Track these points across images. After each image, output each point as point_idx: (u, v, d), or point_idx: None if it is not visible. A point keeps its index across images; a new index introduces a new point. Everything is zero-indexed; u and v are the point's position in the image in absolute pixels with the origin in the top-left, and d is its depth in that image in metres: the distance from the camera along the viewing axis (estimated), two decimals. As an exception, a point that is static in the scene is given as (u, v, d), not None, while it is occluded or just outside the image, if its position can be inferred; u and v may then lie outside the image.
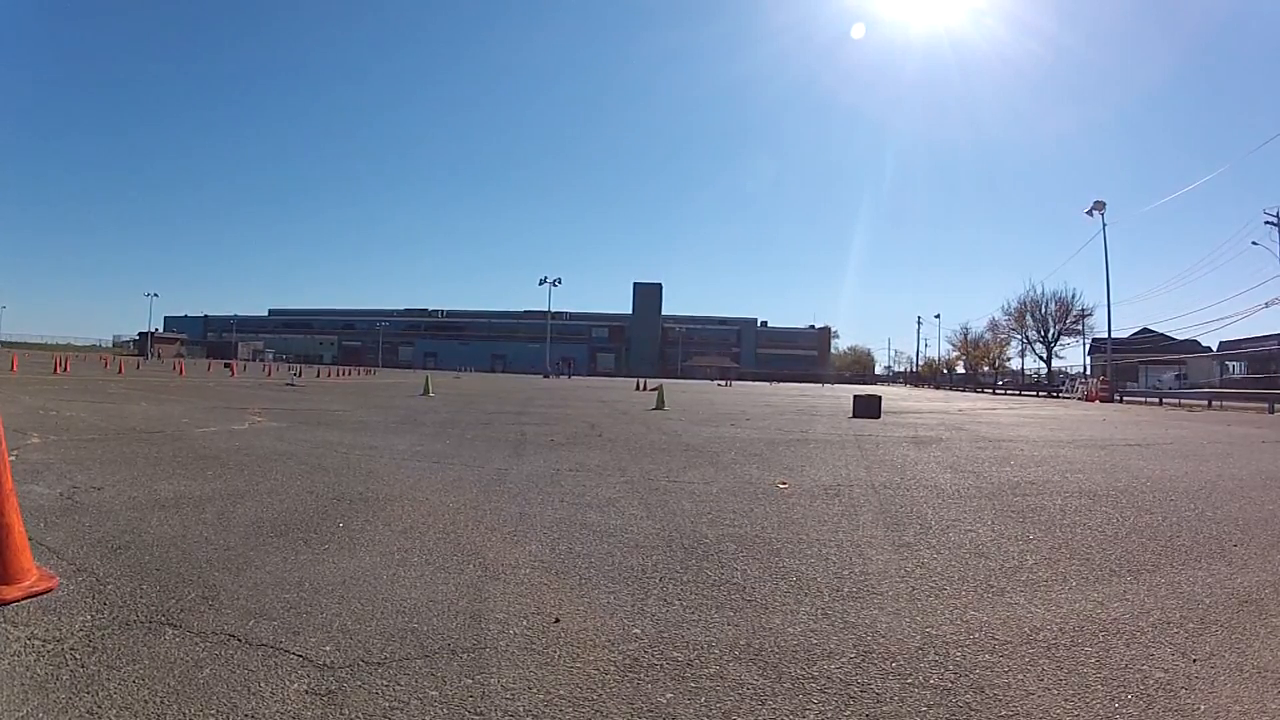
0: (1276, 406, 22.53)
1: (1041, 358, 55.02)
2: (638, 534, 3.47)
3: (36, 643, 1.93)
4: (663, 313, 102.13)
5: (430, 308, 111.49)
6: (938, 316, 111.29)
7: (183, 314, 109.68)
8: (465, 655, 1.95)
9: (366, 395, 16.86)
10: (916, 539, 3.51)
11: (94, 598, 2.30)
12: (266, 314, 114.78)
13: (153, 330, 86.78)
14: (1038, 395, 42.81)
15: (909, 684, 1.85)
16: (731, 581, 2.73)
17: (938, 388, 64.68)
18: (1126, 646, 2.14)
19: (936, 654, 2.06)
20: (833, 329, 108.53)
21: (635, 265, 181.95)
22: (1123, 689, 1.84)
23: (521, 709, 1.66)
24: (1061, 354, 54.55)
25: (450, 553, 3.01)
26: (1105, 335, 40.84)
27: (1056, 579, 2.87)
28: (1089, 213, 37.90)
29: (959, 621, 2.33)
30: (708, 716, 1.66)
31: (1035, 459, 7.17)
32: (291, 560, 2.81)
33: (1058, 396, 40.15)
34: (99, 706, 1.60)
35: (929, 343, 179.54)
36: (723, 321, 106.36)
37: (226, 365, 43.09)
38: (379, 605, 2.33)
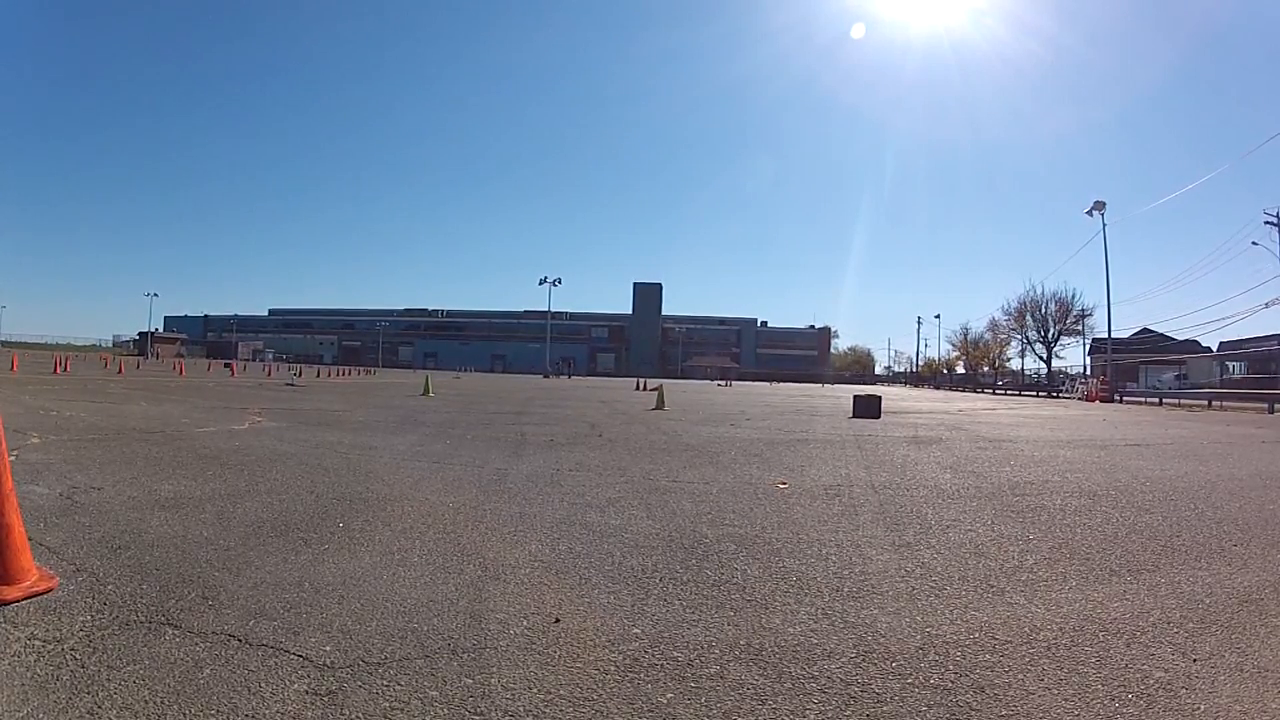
0: (1276, 406, 22.53)
1: (1041, 358, 55.05)
2: (638, 534, 3.47)
3: (36, 643, 1.93)
4: (663, 313, 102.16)
5: (430, 308, 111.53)
6: (938, 316, 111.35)
7: (183, 314, 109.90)
8: (465, 655, 1.95)
9: (366, 395, 16.86)
10: (916, 539, 3.51)
11: (94, 598, 2.30)
12: (266, 314, 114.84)
13: (153, 330, 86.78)
14: (1038, 395, 42.81)
15: (909, 684, 1.85)
16: (731, 581, 2.73)
17: (938, 388, 64.66)
18: (1127, 646, 2.14)
19: (937, 654, 2.06)
20: (833, 329, 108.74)
21: (635, 265, 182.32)
22: (1123, 689, 1.84)
23: (521, 709, 1.66)
24: (1061, 354, 54.67)
25: (450, 553, 3.01)
26: (1105, 335, 40.87)
27: (1057, 579, 2.87)
28: (1089, 213, 37.93)
29: (959, 621, 2.33)
30: (708, 716, 1.66)
31: (1035, 459, 7.17)
32: (291, 560, 2.81)
33: (1058, 397, 40.15)
34: (99, 706, 1.60)
35: (929, 343, 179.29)
36: (723, 321, 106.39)
37: (226, 365, 43.10)
38: (379, 605, 2.33)
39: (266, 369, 42.30)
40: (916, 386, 71.82)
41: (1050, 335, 54.27)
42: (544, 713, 1.65)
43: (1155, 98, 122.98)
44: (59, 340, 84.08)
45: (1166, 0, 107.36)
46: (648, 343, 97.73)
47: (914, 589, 2.69)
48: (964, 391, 53.06)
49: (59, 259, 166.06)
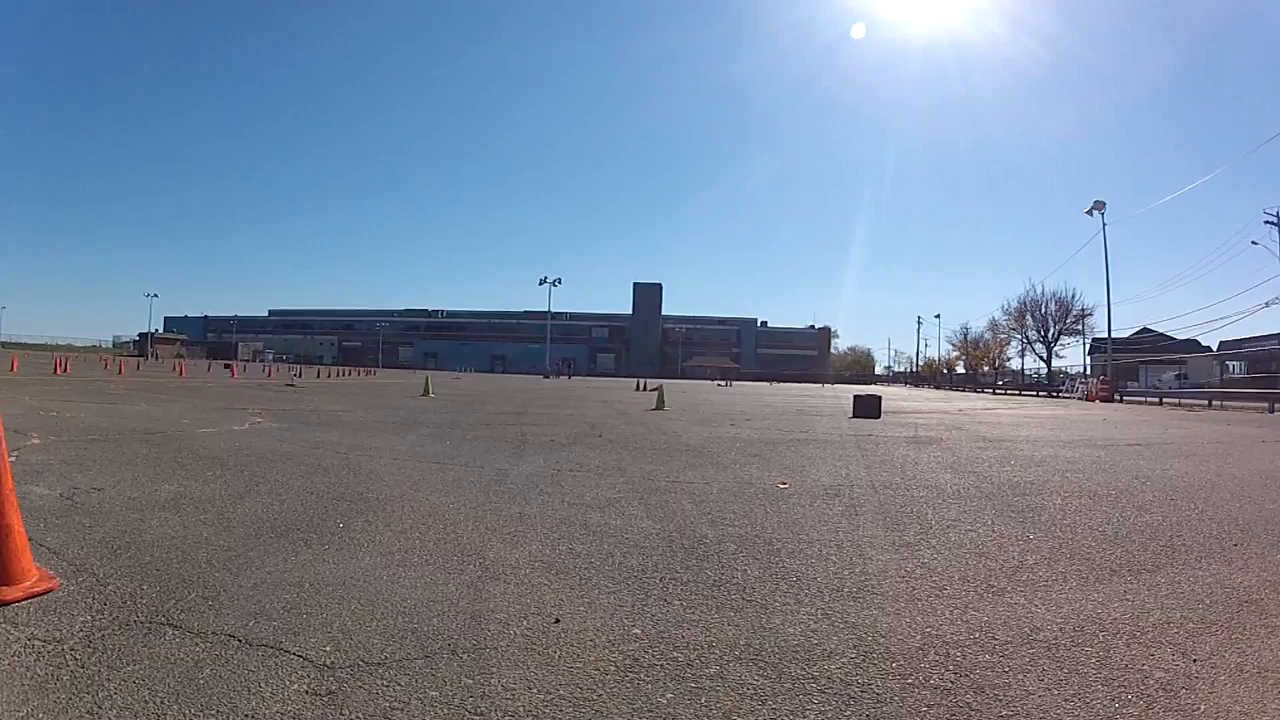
0: (1276, 406, 22.53)
1: (1041, 358, 55.11)
2: (638, 534, 3.47)
3: (36, 643, 1.93)
4: (663, 313, 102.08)
5: (430, 308, 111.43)
6: (938, 316, 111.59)
7: (183, 314, 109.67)
8: (465, 655, 1.95)
9: (366, 396, 16.86)
10: (917, 539, 3.51)
11: (94, 598, 2.30)
12: (266, 314, 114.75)
13: (153, 330, 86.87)
14: (1038, 395, 42.80)
15: (909, 684, 1.85)
16: (731, 581, 2.73)
17: (938, 388, 64.64)
18: (1127, 646, 2.14)
19: (937, 654, 2.06)
20: (833, 329, 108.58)
21: (635, 265, 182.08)
22: (1123, 689, 1.84)
23: (521, 709, 1.66)
24: (1061, 354, 54.75)
25: (450, 553, 3.01)
26: (1105, 335, 40.85)
27: (1057, 579, 2.87)
28: (1089, 212, 37.89)
29: (959, 621, 2.33)
30: (708, 716, 1.66)
31: (1035, 459, 7.17)
32: (292, 560, 2.81)
33: (1058, 396, 40.14)
34: (99, 706, 1.60)
35: (929, 343, 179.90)
36: (723, 321, 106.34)
37: (226, 366, 43.10)
38: (379, 605, 2.33)
39: (266, 369, 42.29)
40: (917, 386, 71.79)
41: (1050, 335, 54.37)
42: (544, 713, 1.65)
43: (1155, 98, 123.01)
44: (59, 341, 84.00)
45: (1166, 0, 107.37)
46: (648, 343, 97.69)
47: (914, 589, 2.69)
48: (964, 391, 53.04)
49: (59, 259, 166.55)
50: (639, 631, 2.18)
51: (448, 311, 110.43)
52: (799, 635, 2.19)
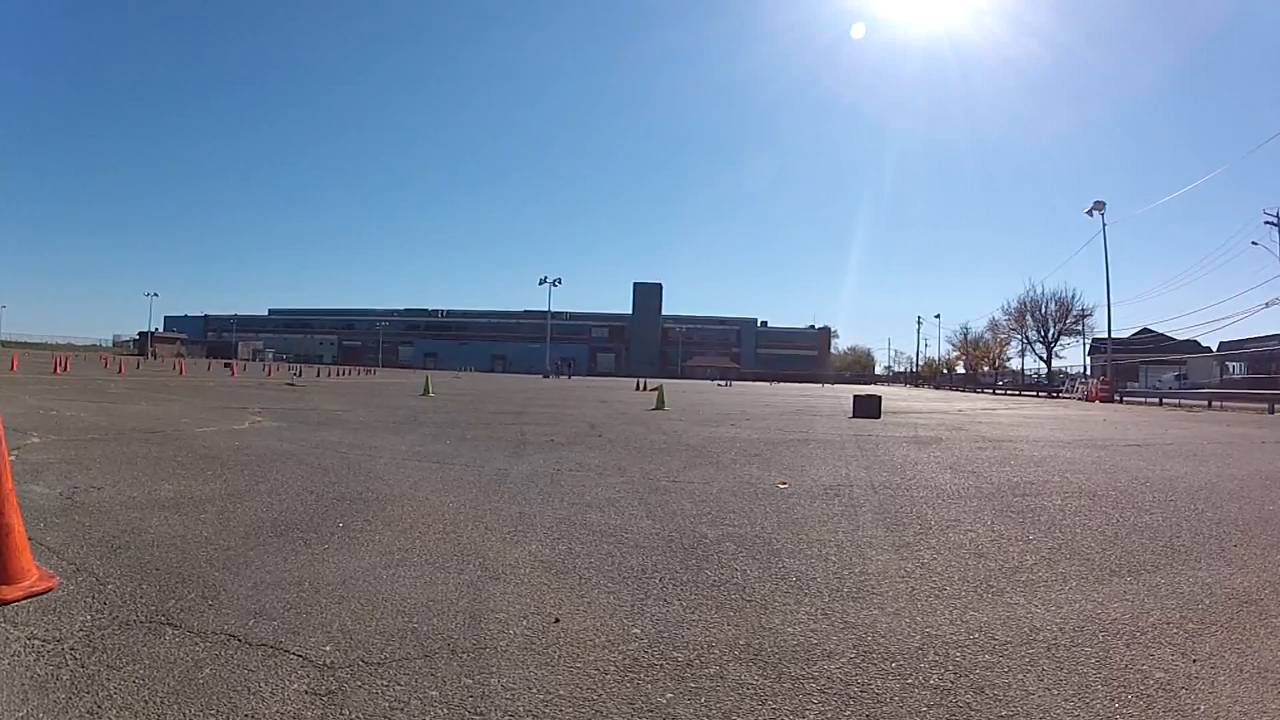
0: (1276, 407, 22.52)
1: (1041, 358, 55.05)
2: (638, 534, 3.47)
3: (36, 643, 1.93)
4: (663, 313, 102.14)
5: (430, 308, 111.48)
6: (938, 316, 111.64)
7: (183, 314, 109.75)
8: (465, 655, 1.95)
9: (366, 395, 16.86)
10: (916, 539, 3.51)
11: (94, 598, 2.30)
12: (266, 314, 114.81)
13: (153, 330, 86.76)
14: (1038, 395, 42.79)
15: (909, 684, 1.85)
16: (731, 581, 2.73)
17: (938, 388, 64.63)
18: (1126, 647, 2.14)
19: (936, 654, 2.06)
20: (833, 329, 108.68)
21: (635, 265, 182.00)
22: (1123, 689, 1.84)
23: (521, 709, 1.66)
24: (1061, 354, 54.68)
25: (450, 553, 3.01)
26: (1105, 335, 40.84)
27: (1056, 579, 2.87)
28: (1089, 213, 37.87)
29: (959, 622, 2.33)
30: (708, 716, 1.66)
31: (1035, 459, 7.17)
32: (291, 560, 2.81)
33: (1058, 397, 40.13)
34: (99, 706, 1.60)
35: (929, 343, 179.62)
36: (723, 321, 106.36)
37: (226, 365, 43.09)
38: (379, 605, 2.33)
39: (266, 369, 42.30)
40: (916, 386, 71.79)
41: (1050, 335, 54.33)
42: (544, 713, 1.65)
43: (1155, 98, 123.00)
44: (59, 340, 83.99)
45: (1166, 0, 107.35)
46: (648, 343, 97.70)
47: (914, 589, 2.69)
48: (964, 391, 53.03)
49: (59, 259, 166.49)
50: (639, 631, 2.18)
51: (448, 311, 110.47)
52: (799, 635, 2.19)
